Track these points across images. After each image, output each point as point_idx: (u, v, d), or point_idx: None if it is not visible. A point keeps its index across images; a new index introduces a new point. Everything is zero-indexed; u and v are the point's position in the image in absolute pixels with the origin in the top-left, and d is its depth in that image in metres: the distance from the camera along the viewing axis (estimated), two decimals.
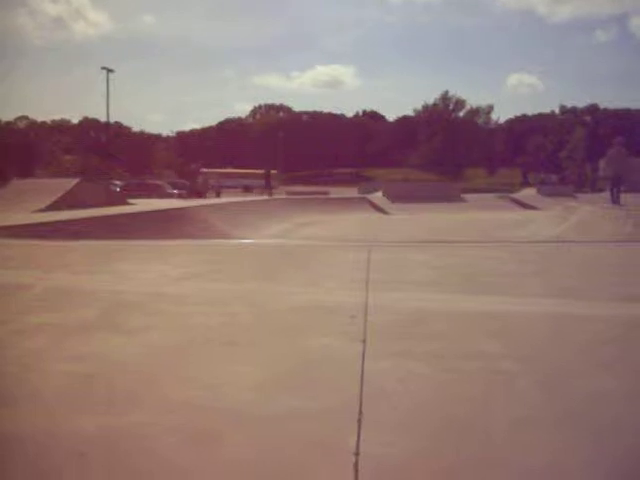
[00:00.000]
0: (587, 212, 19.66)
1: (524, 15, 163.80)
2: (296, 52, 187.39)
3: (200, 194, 32.75)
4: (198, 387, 3.04)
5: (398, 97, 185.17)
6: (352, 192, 45.26)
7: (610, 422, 2.59)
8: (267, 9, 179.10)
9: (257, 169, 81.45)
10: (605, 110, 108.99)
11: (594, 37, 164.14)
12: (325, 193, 47.74)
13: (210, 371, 3.31)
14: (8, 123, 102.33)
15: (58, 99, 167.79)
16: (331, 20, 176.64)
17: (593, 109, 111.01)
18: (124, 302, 5.15)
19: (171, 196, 35.76)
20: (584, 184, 63.61)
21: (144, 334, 4.07)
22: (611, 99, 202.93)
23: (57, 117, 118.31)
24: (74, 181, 20.04)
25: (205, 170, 35.43)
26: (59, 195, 18.09)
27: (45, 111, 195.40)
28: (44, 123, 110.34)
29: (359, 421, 2.56)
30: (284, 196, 37.58)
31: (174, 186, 42.85)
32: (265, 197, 35.15)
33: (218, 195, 32.04)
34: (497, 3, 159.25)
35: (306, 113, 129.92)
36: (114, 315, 4.66)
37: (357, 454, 2.27)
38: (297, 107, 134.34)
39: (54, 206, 16.96)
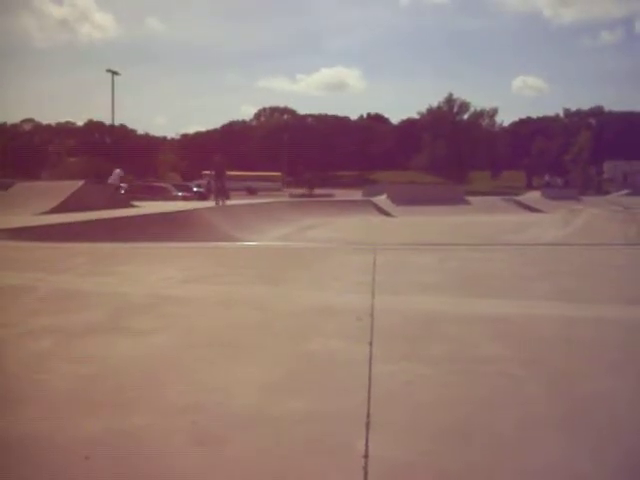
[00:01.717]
0: (592, 215, 19.59)
1: (529, 18, 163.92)
2: (301, 55, 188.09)
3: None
4: (203, 390, 3.02)
5: (403, 100, 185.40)
6: (356, 195, 45.19)
7: (616, 424, 2.56)
8: (272, 12, 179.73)
9: (261, 171, 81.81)
10: (610, 112, 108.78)
11: (599, 39, 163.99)
12: (330, 195, 47.78)
13: (215, 374, 3.29)
14: (14, 125, 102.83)
15: (63, 102, 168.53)
16: (336, 23, 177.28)
17: (598, 111, 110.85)
18: (129, 304, 5.13)
19: (176, 199, 35.79)
20: (589, 187, 63.48)
21: (149, 336, 4.05)
22: (616, 101, 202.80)
23: (62, 120, 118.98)
24: (79, 183, 20.00)
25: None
26: (64, 197, 18.06)
27: (50, 114, 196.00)
28: (49, 126, 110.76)
29: (367, 424, 2.54)
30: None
31: (179, 189, 42.96)
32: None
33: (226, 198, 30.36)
34: (502, 6, 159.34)
35: (311, 116, 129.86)
36: (119, 317, 4.64)
37: (366, 457, 2.25)
38: (302, 110, 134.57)
39: (59, 208, 16.94)
